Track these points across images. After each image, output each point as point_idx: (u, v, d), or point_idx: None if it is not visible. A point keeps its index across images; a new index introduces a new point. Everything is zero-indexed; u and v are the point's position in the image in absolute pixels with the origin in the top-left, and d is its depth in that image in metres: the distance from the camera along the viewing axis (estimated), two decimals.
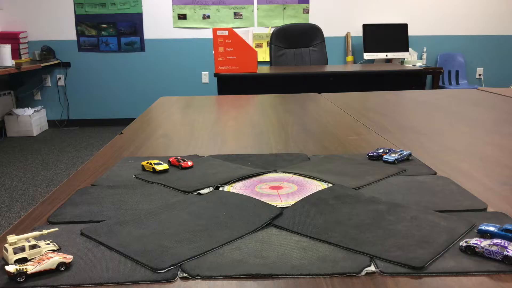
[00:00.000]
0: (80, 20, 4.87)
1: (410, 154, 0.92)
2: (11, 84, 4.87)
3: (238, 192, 0.74)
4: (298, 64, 3.61)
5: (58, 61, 4.88)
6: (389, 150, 0.94)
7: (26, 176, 3.35)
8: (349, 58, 4.99)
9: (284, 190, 0.75)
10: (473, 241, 0.54)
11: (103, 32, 4.90)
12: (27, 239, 0.52)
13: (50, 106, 5.04)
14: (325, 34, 3.75)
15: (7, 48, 4.15)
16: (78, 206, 0.69)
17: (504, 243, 0.52)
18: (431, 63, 5.09)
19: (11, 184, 3.16)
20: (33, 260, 0.50)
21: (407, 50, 4.79)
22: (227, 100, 1.83)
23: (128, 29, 4.91)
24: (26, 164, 3.64)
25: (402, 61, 4.85)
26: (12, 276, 0.48)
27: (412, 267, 0.50)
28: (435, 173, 0.83)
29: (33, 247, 0.52)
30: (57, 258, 0.50)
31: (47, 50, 4.79)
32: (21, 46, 4.74)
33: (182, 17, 4.90)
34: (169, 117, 1.47)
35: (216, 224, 0.61)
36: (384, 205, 0.67)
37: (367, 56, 4.75)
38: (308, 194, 0.72)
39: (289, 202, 0.69)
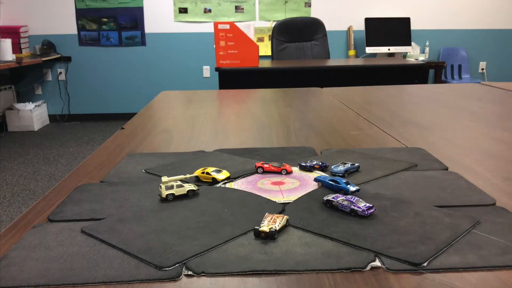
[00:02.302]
0: (80, 14, 4.85)
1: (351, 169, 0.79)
2: (12, 79, 4.87)
3: (239, 188, 0.73)
4: (300, 58, 3.60)
5: (59, 56, 4.87)
6: (322, 163, 0.81)
7: (27, 171, 3.35)
8: (351, 52, 4.96)
9: (286, 185, 0.74)
10: (332, 196, 0.64)
11: (103, 26, 4.88)
12: (174, 181, 0.69)
13: (51, 101, 5.04)
14: (327, 28, 3.73)
15: (7, 43, 4.14)
16: (79, 203, 0.69)
17: (353, 199, 0.63)
18: (434, 57, 5.07)
19: (12, 179, 3.16)
20: (267, 221, 0.58)
21: (409, 44, 4.76)
22: (229, 94, 1.82)
23: (129, 23, 4.89)
24: (27, 159, 3.64)
25: (404, 55, 4.83)
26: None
27: (413, 264, 0.49)
28: (446, 168, 0.82)
29: (179, 186, 0.69)
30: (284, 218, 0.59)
31: (48, 45, 4.78)
32: (22, 41, 4.73)
33: (183, 11, 4.88)
34: (170, 111, 1.46)
35: (218, 221, 0.61)
36: (388, 201, 0.66)
37: (369, 50, 4.73)
38: (310, 190, 0.71)
39: (290, 198, 0.68)
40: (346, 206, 0.63)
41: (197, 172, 0.77)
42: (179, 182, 0.69)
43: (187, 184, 0.70)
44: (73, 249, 0.55)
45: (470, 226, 0.58)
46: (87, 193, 0.73)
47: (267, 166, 0.79)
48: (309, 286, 0.47)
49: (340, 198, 0.64)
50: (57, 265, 0.51)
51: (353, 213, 0.62)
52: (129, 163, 0.89)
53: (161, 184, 0.68)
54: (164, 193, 0.68)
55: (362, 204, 0.62)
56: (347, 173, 0.79)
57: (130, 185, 0.76)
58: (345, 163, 0.81)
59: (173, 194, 0.68)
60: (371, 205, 0.62)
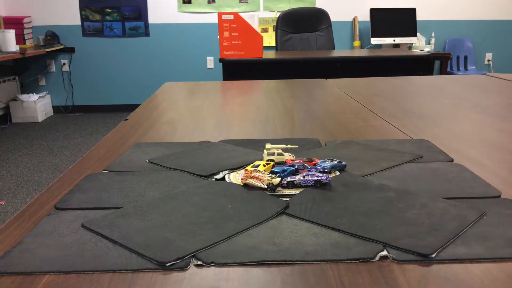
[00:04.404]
0: (84, 4, 4.83)
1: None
2: (16, 70, 4.87)
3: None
4: (304, 49, 3.58)
5: (62, 46, 4.86)
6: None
7: (31, 162, 3.36)
8: (356, 43, 4.93)
9: None
10: (290, 177, 0.68)
11: (107, 17, 4.86)
12: (276, 149, 0.77)
13: (54, 92, 5.05)
14: (332, 19, 3.70)
15: (11, 33, 4.14)
16: (86, 192, 0.69)
17: (312, 172, 0.68)
18: (439, 48, 5.03)
19: (16, 170, 3.18)
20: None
21: (415, 35, 4.72)
22: (232, 85, 1.82)
23: (132, 13, 4.87)
24: (32, 150, 3.66)
25: (410, 46, 4.79)
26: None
27: (422, 255, 0.49)
28: (452, 160, 0.82)
29: (279, 154, 0.76)
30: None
31: (52, 35, 4.77)
32: (25, 31, 4.72)
33: (187, 1, 4.84)
34: (174, 103, 1.46)
35: (221, 216, 0.60)
36: (393, 193, 0.66)
37: (374, 41, 4.69)
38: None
39: (294, 189, 0.68)
40: (309, 181, 0.67)
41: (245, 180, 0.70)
42: (280, 151, 0.76)
43: (287, 154, 0.77)
44: (86, 236, 0.55)
45: (476, 217, 0.57)
46: (95, 182, 0.73)
47: (298, 161, 0.77)
48: (314, 277, 0.46)
49: (298, 176, 0.68)
50: (69, 252, 0.51)
51: (318, 184, 0.67)
52: (135, 152, 0.89)
53: (264, 150, 0.77)
54: (266, 158, 0.75)
55: (319, 174, 0.67)
56: (333, 170, 0.75)
57: (137, 174, 0.76)
58: (332, 160, 0.77)
59: (272, 160, 0.76)
60: (327, 172, 0.70)
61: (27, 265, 0.49)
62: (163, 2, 4.85)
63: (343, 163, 0.77)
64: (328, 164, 0.76)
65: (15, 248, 0.52)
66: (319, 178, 0.67)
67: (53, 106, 5.04)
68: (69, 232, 0.56)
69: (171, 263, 0.49)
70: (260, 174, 0.68)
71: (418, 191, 0.67)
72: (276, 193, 0.66)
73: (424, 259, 0.49)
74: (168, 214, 0.60)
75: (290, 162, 0.76)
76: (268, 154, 0.77)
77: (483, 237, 0.53)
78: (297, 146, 0.84)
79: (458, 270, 0.47)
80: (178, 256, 0.50)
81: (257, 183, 0.67)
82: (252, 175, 0.68)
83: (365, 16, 4.90)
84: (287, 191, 0.67)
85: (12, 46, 4.14)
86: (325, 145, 0.94)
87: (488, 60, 5.12)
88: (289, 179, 0.68)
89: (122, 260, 0.49)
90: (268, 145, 0.77)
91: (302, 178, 0.67)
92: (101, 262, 0.49)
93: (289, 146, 0.80)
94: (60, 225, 0.58)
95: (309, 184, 0.67)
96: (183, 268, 0.48)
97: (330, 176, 0.71)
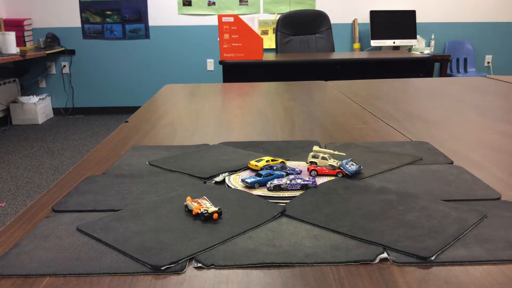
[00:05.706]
0: (84, 7, 4.84)
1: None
2: (16, 72, 4.88)
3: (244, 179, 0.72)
4: (304, 51, 3.58)
5: (62, 49, 4.87)
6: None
7: (31, 164, 3.36)
8: (356, 45, 4.93)
9: None
10: (276, 181, 0.68)
11: (107, 19, 4.87)
12: (323, 153, 0.77)
13: (55, 94, 5.05)
14: (332, 21, 3.70)
15: (11, 36, 4.14)
16: (85, 194, 0.69)
17: (298, 177, 0.68)
18: (439, 50, 5.03)
19: (16, 172, 3.18)
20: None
21: (415, 37, 4.73)
22: (233, 87, 1.82)
23: (132, 16, 4.87)
24: (32, 152, 3.66)
25: (409, 49, 4.79)
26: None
27: (421, 257, 0.49)
28: (452, 162, 0.82)
29: (323, 158, 0.76)
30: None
31: (52, 38, 4.77)
32: (26, 34, 4.73)
33: (187, 3, 4.85)
34: (174, 105, 1.46)
35: (217, 221, 0.59)
36: (394, 195, 0.66)
37: (374, 43, 4.70)
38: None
39: (294, 192, 0.68)
40: (296, 184, 0.67)
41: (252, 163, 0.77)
42: (325, 156, 0.77)
43: (332, 160, 0.77)
44: (83, 239, 0.55)
45: (477, 220, 0.57)
46: (93, 185, 0.73)
47: (321, 168, 0.75)
48: (314, 279, 0.46)
49: (284, 180, 0.68)
50: (66, 255, 0.51)
51: (304, 188, 0.68)
52: (134, 155, 0.89)
53: (311, 153, 0.79)
54: (309, 160, 0.78)
55: (306, 178, 0.69)
56: (356, 174, 0.75)
57: (136, 177, 0.76)
58: (353, 164, 0.76)
59: (316, 163, 0.77)
60: (312, 176, 0.71)
61: (24, 268, 0.49)
62: (164, 4, 4.86)
63: (361, 167, 0.77)
64: (354, 168, 0.74)
65: (12, 251, 0.52)
66: (305, 182, 0.68)
67: (53, 108, 5.04)
68: (66, 235, 0.56)
69: (166, 267, 0.48)
70: (203, 201, 0.62)
71: (418, 194, 0.67)
72: (276, 195, 0.67)
73: (424, 261, 0.49)
74: (163, 218, 0.60)
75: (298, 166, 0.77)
76: (313, 157, 0.78)
77: (483, 239, 0.53)
78: (344, 154, 0.81)
79: (458, 272, 0.47)
80: (172, 260, 0.49)
81: (194, 206, 0.61)
82: (196, 201, 0.62)
83: (365, 19, 4.91)
84: (287, 193, 0.67)
85: (13, 48, 4.14)
86: (325, 147, 0.94)
87: (488, 62, 5.12)
88: (275, 182, 0.68)
89: (118, 263, 0.49)
90: (316, 148, 0.78)
91: (288, 182, 0.67)
92: (98, 265, 0.49)
93: (336, 152, 0.79)
94: (57, 227, 0.58)
95: (295, 188, 0.67)
96: (178, 271, 0.48)
97: (329, 179, 0.72)
